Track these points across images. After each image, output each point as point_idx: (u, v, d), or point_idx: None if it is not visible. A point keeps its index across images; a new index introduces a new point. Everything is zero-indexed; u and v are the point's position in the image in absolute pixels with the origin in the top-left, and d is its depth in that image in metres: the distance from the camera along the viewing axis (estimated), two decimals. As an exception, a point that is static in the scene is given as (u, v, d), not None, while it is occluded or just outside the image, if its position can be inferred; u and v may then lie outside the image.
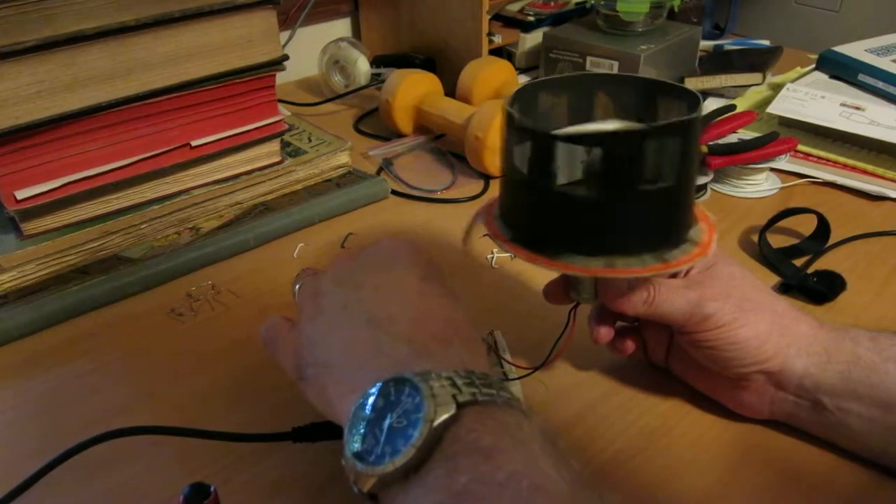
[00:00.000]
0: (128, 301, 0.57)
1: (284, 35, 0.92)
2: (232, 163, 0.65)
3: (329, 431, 0.43)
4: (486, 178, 0.74)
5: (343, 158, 0.72)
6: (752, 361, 0.41)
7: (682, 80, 0.90)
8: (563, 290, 0.44)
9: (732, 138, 0.74)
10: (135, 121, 0.58)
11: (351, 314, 0.37)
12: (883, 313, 0.55)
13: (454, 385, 0.30)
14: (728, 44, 1.07)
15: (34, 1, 0.50)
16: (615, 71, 0.85)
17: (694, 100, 0.40)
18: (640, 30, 0.88)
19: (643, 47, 0.84)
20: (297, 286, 0.43)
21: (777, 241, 0.63)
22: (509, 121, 0.39)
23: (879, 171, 0.73)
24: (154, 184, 0.62)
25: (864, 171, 0.73)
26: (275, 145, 0.68)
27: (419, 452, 0.28)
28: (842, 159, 0.75)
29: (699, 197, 0.71)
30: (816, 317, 0.43)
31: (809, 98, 0.80)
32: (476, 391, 0.30)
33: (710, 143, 0.71)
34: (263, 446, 0.44)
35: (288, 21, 0.93)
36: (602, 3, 0.88)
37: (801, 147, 0.76)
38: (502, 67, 0.84)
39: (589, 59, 0.87)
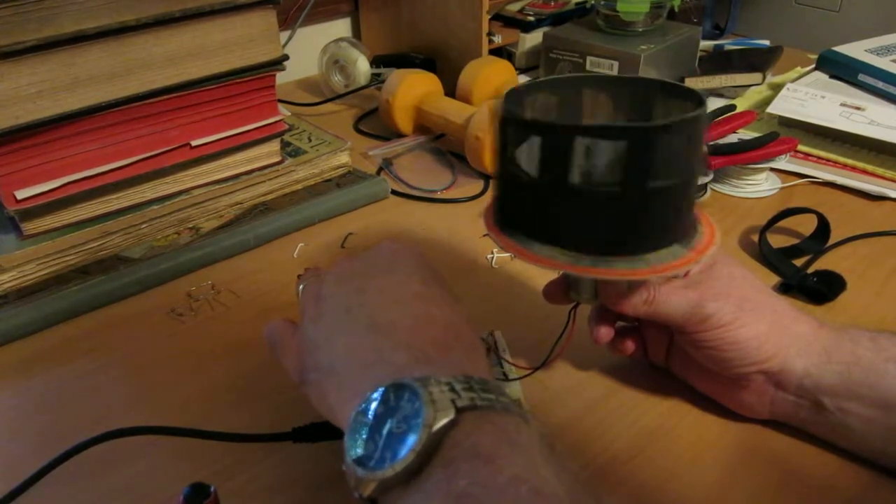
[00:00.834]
0: (128, 301, 0.57)
1: (284, 35, 0.92)
2: (232, 163, 0.65)
3: (329, 432, 0.43)
4: (486, 177, 0.74)
5: (343, 158, 0.72)
6: (751, 361, 0.41)
7: (682, 80, 0.90)
8: (562, 290, 0.44)
9: (732, 138, 0.74)
10: (135, 121, 0.58)
11: (353, 319, 0.37)
12: (883, 313, 0.55)
13: (453, 390, 0.30)
14: (728, 44, 1.07)
15: (34, 1, 0.50)
16: (615, 71, 0.85)
17: (696, 98, 0.40)
18: (640, 30, 0.88)
19: (643, 47, 0.84)
20: (301, 286, 0.43)
21: (777, 241, 0.63)
22: (510, 119, 0.38)
23: (879, 171, 0.73)
24: (154, 184, 0.62)
25: (864, 171, 0.73)
26: (275, 145, 0.68)
27: (419, 457, 0.29)
28: (842, 159, 0.75)
29: (699, 197, 0.71)
30: (816, 317, 0.43)
31: (809, 98, 0.80)
32: (475, 396, 0.30)
33: (710, 143, 0.71)
34: (263, 446, 0.44)
35: (288, 21, 0.93)
36: (602, 3, 0.88)
37: (801, 147, 0.76)
38: (502, 67, 0.84)
39: (589, 59, 0.87)
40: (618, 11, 0.87)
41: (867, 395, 0.40)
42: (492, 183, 0.73)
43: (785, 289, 0.57)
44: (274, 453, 0.43)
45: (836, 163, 0.75)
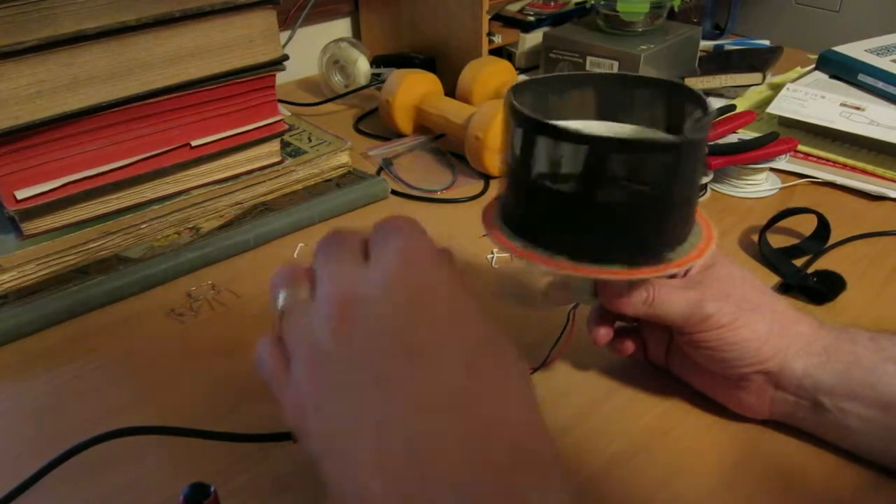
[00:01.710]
0: (128, 301, 0.57)
1: (284, 35, 0.92)
2: (232, 163, 0.65)
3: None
4: (486, 178, 0.74)
5: (343, 158, 0.72)
6: (751, 362, 0.41)
7: (682, 80, 0.91)
8: (562, 290, 0.44)
9: (732, 138, 0.74)
10: (135, 121, 0.58)
11: (375, 412, 0.28)
12: (883, 313, 0.55)
13: None
14: (728, 44, 1.07)
15: (34, 1, 0.50)
16: (615, 71, 0.85)
17: (705, 106, 0.40)
18: (640, 30, 0.88)
19: (643, 47, 0.84)
20: (280, 302, 0.33)
21: (777, 241, 0.63)
22: (520, 119, 0.38)
23: (879, 171, 0.73)
24: (154, 184, 0.62)
25: (864, 171, 0.73)
26: (275, 145, 0.68)
27: None
28: (842, 159, 0.75)
29: (700, 197, 0.70)
30: (816, 317, 0.43)
31: (809, 98, 0.80)
32: None
33: (710, 143, 0.71)
34: (263, 446, 0.44)
35: (288, 21, 0.93)
36: (602, 3, 0.88)
37: (801, 147, 0.76)
38: (502, 67, 0.84)
39: (589, 59, 0.87)
40: (618, 11, 0.87)
41: (867, 395, 0.40)
42: (492, 182, 0.73)
43: (785, 289, 0.57)
44: (274, 453, 0.43)
45: (836, 163, 0.75)
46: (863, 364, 0.40)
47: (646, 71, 0.84)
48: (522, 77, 0.94)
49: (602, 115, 0.44)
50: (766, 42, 1.07)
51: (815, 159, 0.76)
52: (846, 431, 0.41)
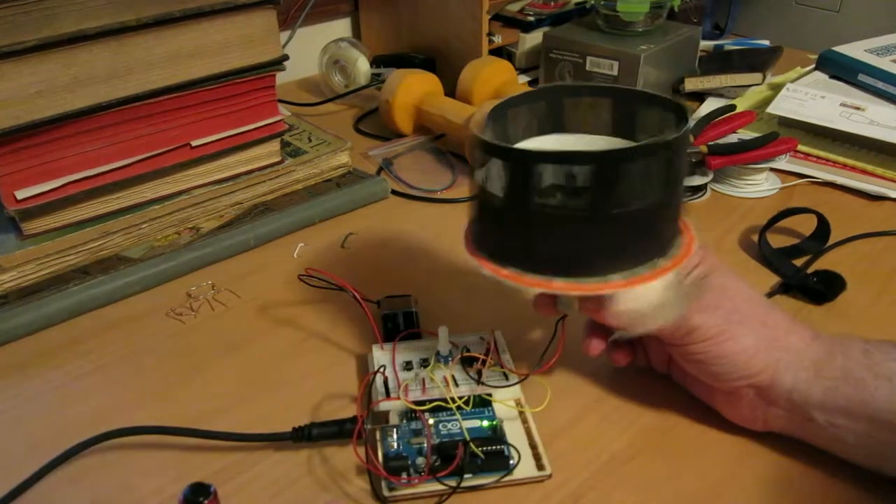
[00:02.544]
0: (128, 301, 0.57)
1: (284, 35, 0.92)
2: (232, 163, 0.65)
3: (329, 431, 0.43)
4: (486, 178, 0.74)
5: (343, 158, 0.72)
6: (739, 376, 0.41)
7: (682, 80, 0.91)
8: (550, 302, 0.44)
9: (732, 138, 0.74)
10: (135, 121, 0.58)
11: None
12: (883, 313, 0.55)
13: None
14: (728, 44, 1.07)
15: (34, 1, 0.50)
16: (615, 71, 0.85)
17: (680, 110, 0.40)
18: (640, 30, 0.88)
19: (643, 47, 0.84)
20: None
21: (777, 241, 0.63)
22: (481, 145, 0.39)
23: (879, 171, 0.73)
24: (154, 184, 0.62)
25: (864, 171, 0.73)
26: (275, 145, 0.68)
27: None
28: (842, 159, 0.75)
29: (698, 198, 0.71)
30: (815, 321, 0.43)
31: (809, 98, 0.80)
32: None
33: (710, 143, 0.71)
34: (263, 446, 0.44)
35: (288, 21, 0.93)
36: (602, 3, 0.88)
37: (801, 147, 0.76)
38: (502, 67, 0.84)
39: (589, 59, 0.87)
40: (618, 11, 0.87)
41: (857, 412, 0.39)
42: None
43: (785, 289, 0.57)
44: (274, 453, 0.43)
45: (835, 163, 0.75)
46: (852, 380, 0.39)
47: (646, 71, 0.84)
48: (523, 77, 0.95)
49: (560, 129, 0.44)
50: (766, 42, 1.07)
51: (814, 159, 0.76)
52: (841, 445, 0.40)
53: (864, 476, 0.41)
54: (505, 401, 0.45)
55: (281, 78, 0.66)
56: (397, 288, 0.56)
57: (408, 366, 0.47)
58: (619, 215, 0.37)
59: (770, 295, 0.57)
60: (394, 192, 0.72)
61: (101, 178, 0.58)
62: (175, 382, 0.49)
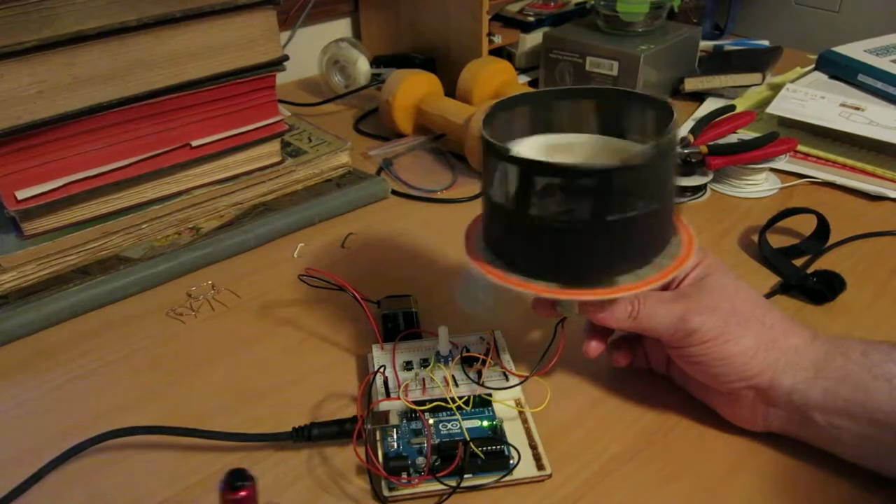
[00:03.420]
0: (128, 301, 0.57)
1: (284, 35, 0.92)
2: (232, 163, 0.65)
3: (329, 431, 0.43)
4: (486, 178, 0.74)
5: (343, 158, 0.72)
6: (739, 377, 0.41)
7: (681, 81, 0.91)
8: (550, 304, 0.44)
9: (732, 138, 0.74)
10: (135, 121, 0.58)
11: None
12: (883, 313, 0.55)
13: None
14: (728, 44, 1.07)
15: (35, 1, 0.50)
16: (615, 72, 0.85)
17: (667, 111, 0.40)
18: (639, 30, 0.88)
19: (643, 47, 0.84)
20: None
21: (777, 241, 0.63)
22: (488, 146, 0.39)
23: (879, 171, 0.73)
24: (154, 184, 0.62)
25: (864, 171, 0.73)
26: (275, 145, 0.68)
27: None
28: (841, 159, 0.75)
29: (698, 198, 0.71)
30: (815, 321, 0.43)
31: (809, 98, 0.80)
32: None
33: (710, 143, 0.71)
34: (263, 446, 0.44)
35: (288, 21, 0.93)
36: (602, 3, 0.88)
37: (800, 147, 0.76)
38: (502, 67, 0.84)
39: (589, 59, 0.87)
40: (618, 12, 0.87)
41: (856, 413, 0.39)
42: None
43: (785, 289, 0.57)
44: (274, 453, 0.44)
45: (835, 163, 0.75)
46: (851, 381, 0.39)
47: (646, 71, 0.84)
48: (523, 77, 0.95)
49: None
50: (766, 42, 1.07)
51: (814, 159, 0.76)
52: (841, 446, 0.40)
53: (864, 476, 0.41)
54: (505, 401, 0.45)
55: (281, 78, 0.66)
56: (397, 288, 0.56)
57: (408, 366, 0.47)
58: (621, 220, 0.37)
59: (770, 295, 0.57)
60: (394, 192, 0.72)
61: (101, 178, 0.58)
62: (175, 382, 0.49)
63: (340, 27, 1.05)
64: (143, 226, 0.62)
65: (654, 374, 0.48)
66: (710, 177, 0.70)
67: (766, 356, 0.40)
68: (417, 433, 0.43)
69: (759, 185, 0.72)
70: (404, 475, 0.40)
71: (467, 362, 0.47)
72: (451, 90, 0.84)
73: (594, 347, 0.45)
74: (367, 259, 0.63)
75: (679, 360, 0.43)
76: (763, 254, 0.61)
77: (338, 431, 0.43)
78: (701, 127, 0.73)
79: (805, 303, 0.56)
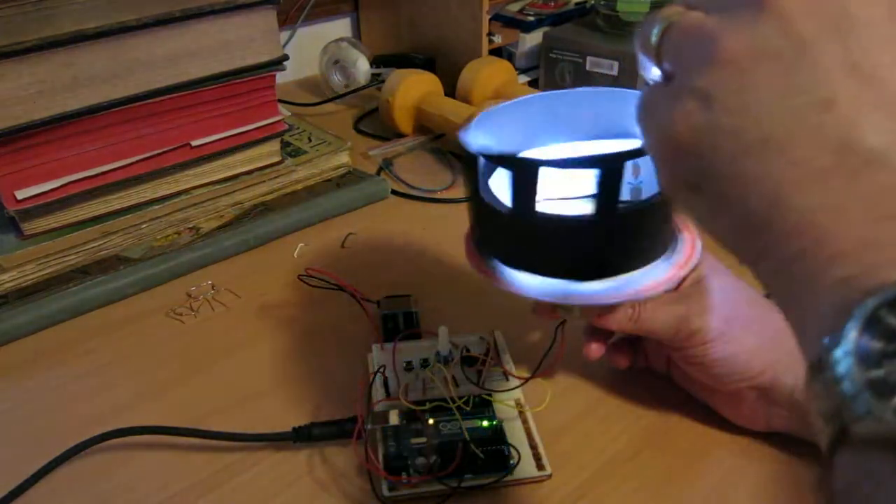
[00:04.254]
0: (128, 301, 0.57)
1: (284, 35, 0.92)
2: (232, 163, 0.65)
3: (329, 431, 0.43)
4: (486, 178, 0.74)
5: (343, 158, 0.72)
6: (741, 378, 0.41)
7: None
8: (550, 307, 0.44)
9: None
10: (135, 121, 0.58)
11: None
12: (883, 313, 0.55)
13: None
14: (728, 44, 1.07)
15: (34, 1, 0.50)
16: (615, 72, 0.85)
17: None
18: (640, 30, 0.88)
19: (643, 47, 0.84)
20: (660, 29, 0.26)
21: (777, 241, 0.62)
22: (479, 153, 0.38)
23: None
24: (154, 184, 0.62)
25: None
26: (275, 145, 0.68)
27: None
28: (842, 159, 0.75)
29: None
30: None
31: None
32: None
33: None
34: (263, 446, 0.44)
35: (288, 21, 0.93)
36: (602, 3, 0.88)
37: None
38: (502, 67, 0.84)
39: (589, 59, 0.87)
40: (618, 11, 0.87)
41: None
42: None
43: (785, 289, 0.57)
44: (274, 453, 0.43)
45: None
46: None
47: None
48: (523, 77, 0.95)
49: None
50: (766, 42, 1.07)
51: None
52: None
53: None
54: (505, 401, 0.45)
55: (281, 78, 0.66)
56: (397, 288, 0.56)
57: (408, 366, 0.47)
58: (627, 219, 0.37)
59: (769, 295, 0.57)
60: (394, 192, 0.72)
61: (101, 178, 0.58)
62: (175, 382, 0.49)
63: (340, 27, 1.05)
64: (143, 226, 0.61)
65: (654, 374, 0.48)
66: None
67: (767, 356, 0.40)
68: (417, 433, 0.42)
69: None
70: (404, 475, 0.40)
71: (467, 362, 0.46)
72: (451, 90, 0.84)
73: (595, 349, 0.45)
74: (367, 259, 0.63)
75: (680, 361, 0.43)
76: (763, 254, 0.61)
77: (338, 431, 0.43)
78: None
79: (805, 303, 0.56)
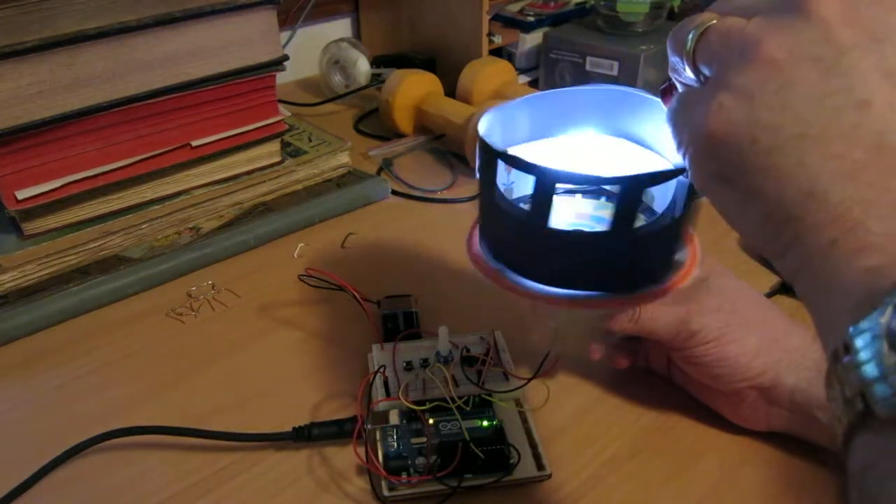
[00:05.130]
0: (128, 301, 0.57)
1: (284, 35, 0.92)
2: (232, 163, 0.65)
3: (329, 431, 0.43)
4: (486, 178, 0.74)
5: (343, 158, 0.72)
6: (742, 378, 0.41)
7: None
8: (552, 310, 0.44)
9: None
10: (135, 121, 0.58)
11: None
12: (883, 313, 0.55)
13: None
14: (728, 44, 1.07)
15: (35, 1, 0.50)
16: (615, 72, 0.85)
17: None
18: (640, 30, 0.88)
19: (643, 47, 0.84)
20: (696, 33, 0.27)
21: (777, 241, 0.62)
22: (495, 153, 0.37)
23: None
24: (154, 184, 0.62)
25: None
26: (275, 145, 0.68)
27: None
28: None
29: (698, 197, 0.70)
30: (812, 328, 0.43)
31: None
32: None
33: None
34: (263, 446, 0.44)
35: (288, 21, 0.93)
36: (602, 3, 0.88)
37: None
38: (502, 68, 0.84)
39: (589, 59, 0.87)
40: (618, 12, 0.87)
41: None
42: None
43: (785, 289, 0.57)
44: (274, 453, 0.44)
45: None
46: None
47: (646, 72, 0.84)
48: (523, 77, 0.95)
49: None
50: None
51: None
52: None
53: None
54: (505, 401, 0.45)
55: (281, 78, 0.66)
56: (397, 288, 0.56)
57: (408, 366, 0.47)
58: (643, 231, 0.37)
59: (770, 295, 0.57)
60: (394, 192, 0.72)
61: (101, 178, 0.58)
62: (175, 382, 0.49)
63: (340, 27, 1.05)
64: (143, 226, 0.62)
65: (654, 374, 0.48)
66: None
67: (767, 356, 0.40)
68: (417, 433, 0.42)
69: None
70: (404, 475, 0.40)
71: (467, 362, 0.46)
72: (451, 90, 0.84)
73: (595, 350, 0.45)
74: (367, 259, 0.63)
75: (681, 362, 0.43)
76: (762, 254, 0.61)
77: (338, 431, 0.43)
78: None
79: (805, 303, 0.56)
